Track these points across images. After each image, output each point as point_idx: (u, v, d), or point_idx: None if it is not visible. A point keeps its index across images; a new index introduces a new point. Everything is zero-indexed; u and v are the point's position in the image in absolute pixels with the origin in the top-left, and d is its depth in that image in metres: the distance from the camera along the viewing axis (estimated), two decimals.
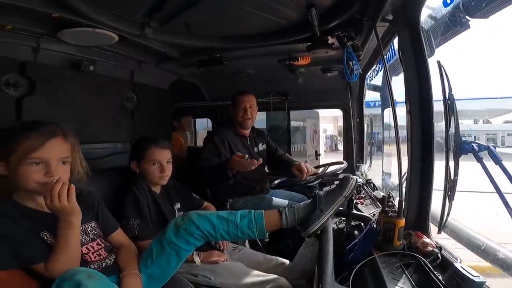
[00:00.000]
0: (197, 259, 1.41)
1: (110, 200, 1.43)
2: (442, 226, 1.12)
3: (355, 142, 2.73)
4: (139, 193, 1.44)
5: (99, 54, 1.83)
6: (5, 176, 0.95)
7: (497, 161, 1.00)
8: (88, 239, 1.08)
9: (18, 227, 0.92)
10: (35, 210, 1.00)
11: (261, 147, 2.34)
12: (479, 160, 1.01)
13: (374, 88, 3.05)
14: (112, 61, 1.95)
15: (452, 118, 1.07)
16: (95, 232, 1.12)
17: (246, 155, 1.81)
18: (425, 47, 1.19)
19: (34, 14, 1.28)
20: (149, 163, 1.50)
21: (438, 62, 1.08)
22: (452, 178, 1.06)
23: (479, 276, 0.84)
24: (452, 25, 1.21)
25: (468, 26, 1.16)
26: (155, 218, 1.46)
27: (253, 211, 1.15)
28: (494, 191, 1.02)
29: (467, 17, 1.13)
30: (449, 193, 1.06)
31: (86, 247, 1.05)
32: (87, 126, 1.80)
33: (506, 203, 1.03)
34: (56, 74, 1.67)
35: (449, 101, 1.05)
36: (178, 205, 1.60)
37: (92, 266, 1.03)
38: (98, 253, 1.08)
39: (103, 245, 1.11)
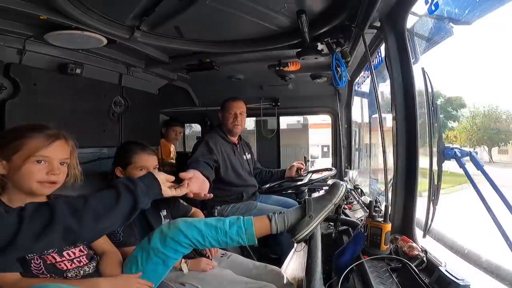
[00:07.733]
0: (184, 267, 1.38)
1: None
2: (427, 230, 1.14)
3: (343, 148, 2.76)
4: None
5: (87, 57, 1.81)
6: (2, 175, 0.96)
7: (479, 166, 1.03)
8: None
9: None
10: None
11: (248, 156, 2.38)
12: (462, 165, 1.03)
13: (362, 94, 3.10)
14: (100, 65, 1.93)
15: (436, 124, 1.10)
16: None
17: None
18: (410, 54, 1.22)
19: (20, 15, 1.26)
20: (137, 170, 1.45)
21: (423, 69, 1.11)
22: (435, 183, 1.08)
23: (463, 279, 0.86)
24: (436, 32, 1.25)
25: (451, 33, 1.20)
26: (140, 225, 1.41)
27: (242, 217, 1.14)
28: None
29: (451, 24, 1.16)
30: (433, 198, 1.08)
31: (63, 254, 1.02)
32: (73, 130, 1.75)
33: (488, 209, 1.05)
34: (41, 76, 1.64)
35: (432, 108, 1.07)
36: (164, 212, 1.55)
37: (69, 274, 0.99)
38: (78, 259, 1.04)
39: (85, 252, 1.08)
